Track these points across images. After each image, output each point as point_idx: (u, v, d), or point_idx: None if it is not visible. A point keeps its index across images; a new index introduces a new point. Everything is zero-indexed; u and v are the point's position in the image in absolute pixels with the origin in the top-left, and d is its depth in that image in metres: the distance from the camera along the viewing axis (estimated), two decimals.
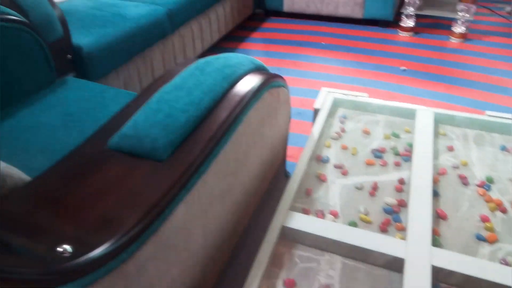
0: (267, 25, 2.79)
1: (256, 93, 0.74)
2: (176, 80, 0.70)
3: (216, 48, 2.44)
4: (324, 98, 1.09)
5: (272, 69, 2.21)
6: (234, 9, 2.50)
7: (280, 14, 2.89)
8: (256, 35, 2.65)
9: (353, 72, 2.13)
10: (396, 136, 1.02)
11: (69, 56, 1.39)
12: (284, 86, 0.89)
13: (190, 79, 0.70)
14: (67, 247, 0.40)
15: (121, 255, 0.43)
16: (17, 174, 0.52)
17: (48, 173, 0.54)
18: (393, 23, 2.61)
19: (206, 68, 0.73)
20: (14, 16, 1.08)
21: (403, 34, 2.51)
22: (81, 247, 0.41)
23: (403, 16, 2.48)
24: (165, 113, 0.62)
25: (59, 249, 0.40)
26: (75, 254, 0.40)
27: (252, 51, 2.44)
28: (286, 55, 2.36)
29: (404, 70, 2.12)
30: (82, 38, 1.44)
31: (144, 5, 1.78)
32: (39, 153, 0.89)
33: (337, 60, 2.27)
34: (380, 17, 2.56)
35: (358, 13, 2.60)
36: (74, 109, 1.05)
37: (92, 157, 0.57)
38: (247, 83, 0.75)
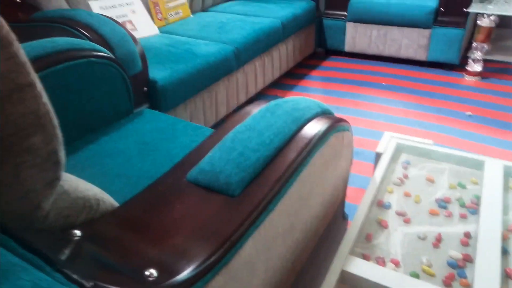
0: (327, 63, 2.84)
1: (322, 137, 0.77)
2: (249, 120, 0.75)
3: (276, 84, 2.52)
4: (387, 143, 1.09)
5: (331, 107, 2.23)
6: (296, 48, 2.59)
7: (340, 53, 2.94)
8: (316, 73, 2.71)
9: (415, 114, 2.10)
10: (462, 186, 0.99)
11: (145, 88, 1.52)
12: (349, 129, 0.91)
13: (262, 121, 0.75)
14: (153, 271, 0.44)
15: (198, 283, 0.46)
16: (108, 199, 0.59)
17: (135, 200, 0.60)
18: (458, 66, 2.55)
19: (276, 111, 0.78)
20: (103, 52, 1.21)
21: (469, 79, 2.44)
22: (165, 273, 0.45)
23: (470, 60, 2.42)
24: (239, 151, 0.67)
25: (146, 272, 0.44)
26: (159, 279, 0.44)
27: (311, 89, 2.49)
28: (346, 94, 2.38)
29: (470, 115, 2.05)
30: (157, 73, 1.56)
31: (214, 43, 1.90)
32: (116, 178, 0.97)
33: (398, 102, 2.24)
34: (445, 60, 2.51)
35: (421, 56, 2.58)
36: (148, 139, 1.14)
37: (172, 188, 0.62)
38: (314, 127, 0.78)
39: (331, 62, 2.86)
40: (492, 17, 2.25)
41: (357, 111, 2.18)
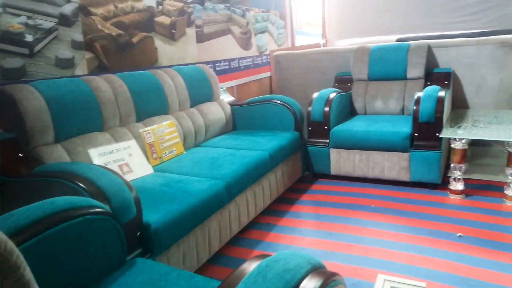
0: (316, 187, 2.94)
1: None
2: (241, 287, 0.77)
3: (268, 211, 2.55)
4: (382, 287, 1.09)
5: (323, 233, 2.25)
6: (284, 175, 2.70)
7: (327, 176, 3.05)
8: (306, 197, 2.78)
9: (407, 238, 2.11)
10: None
11: (138, 233, 1.54)
12: (341, 283, 0.92)
13: (254, 287, 0.76)
14: None
15: None
16: None
17: None
18: (442, 185, 2.66)
19: (267, 274, 0.80)
20: (99, 207, 1.26)
21: (453, 197, 2.52)
22: None
23: (451, 180, 2.54)
24: None
25: None
26: None
27: (303, 214, 2.53)
28: (336, 218, 2.41)
29: (461, 236, 2.07)
30: (151, 215, 1.60)
31: (206, 180, 1.98)
32: None
33: (388, 225, 2.27)
34: (428, 180, 2.63)
35: (404, 177, 2.70)
36: None
37: None
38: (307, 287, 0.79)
39: (320, 185, 2.96)
40: (464, 140, 2.43)
41: (349, 236, 2.18)
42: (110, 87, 2.14)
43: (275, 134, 2.78)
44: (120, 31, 2.44)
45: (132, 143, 2.11)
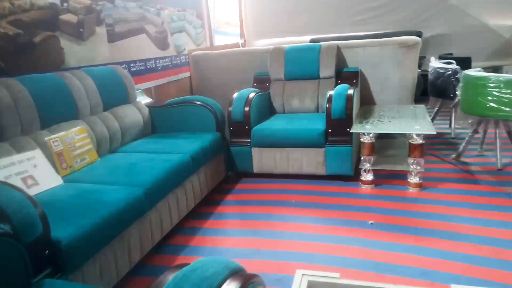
0: (240, 186, 2.97)
1: None
2: None
3: (193, 214, 2.51)
4: (300, 281, 1.13)
5: (248, 232, 2.28)
6: (208, 176, 2.68)
7: (250, 175, 3.10)
8: (230, 197, 2.79)
9: (325, 229, 2.23)
10: None
11: (47, 251, 1.41)
12: (260, 283, 0.94)
13: None
14: None
15: None
16: None
17: None
18: (354, 177, 2.85)
19: (184, 285, 0.78)
20: None
21: (365, 187, 2.72)
22: None
23: (362, 171, 2.73)
24: None
25: None
26: None
27: (228, 215, 2.54)
28: (260, 216, 2.46)
29: (372, 223, 2.24)
30: (61, 231, 1.47)
31: (123, 188, 1.88)
32: None
33: (308, 218, 2.38)
34: (342, 173, 2.80)
35: (321, 171, 2.85)
36: None
37: None
38: None
39: (243, 185, 2.99)
40: (371, 134, 2.63)
41: (273, 232, 2.24)
42: (7, 92, 1.93)
43: (197, 136, 2.74)
44: (19, 30, 2.21)
45: (37, 153, 1.93)
